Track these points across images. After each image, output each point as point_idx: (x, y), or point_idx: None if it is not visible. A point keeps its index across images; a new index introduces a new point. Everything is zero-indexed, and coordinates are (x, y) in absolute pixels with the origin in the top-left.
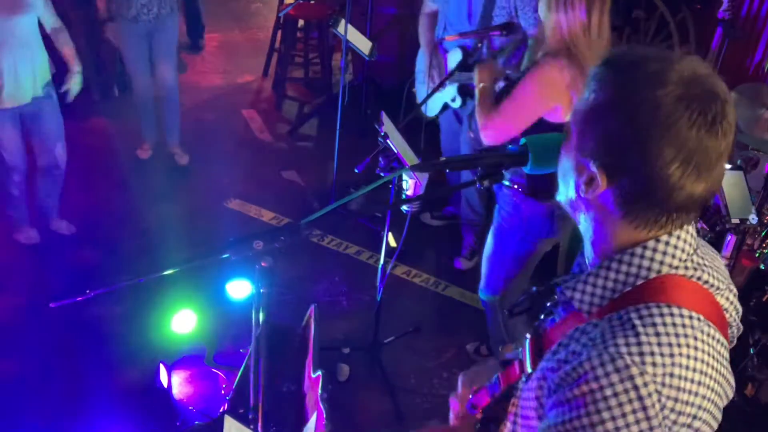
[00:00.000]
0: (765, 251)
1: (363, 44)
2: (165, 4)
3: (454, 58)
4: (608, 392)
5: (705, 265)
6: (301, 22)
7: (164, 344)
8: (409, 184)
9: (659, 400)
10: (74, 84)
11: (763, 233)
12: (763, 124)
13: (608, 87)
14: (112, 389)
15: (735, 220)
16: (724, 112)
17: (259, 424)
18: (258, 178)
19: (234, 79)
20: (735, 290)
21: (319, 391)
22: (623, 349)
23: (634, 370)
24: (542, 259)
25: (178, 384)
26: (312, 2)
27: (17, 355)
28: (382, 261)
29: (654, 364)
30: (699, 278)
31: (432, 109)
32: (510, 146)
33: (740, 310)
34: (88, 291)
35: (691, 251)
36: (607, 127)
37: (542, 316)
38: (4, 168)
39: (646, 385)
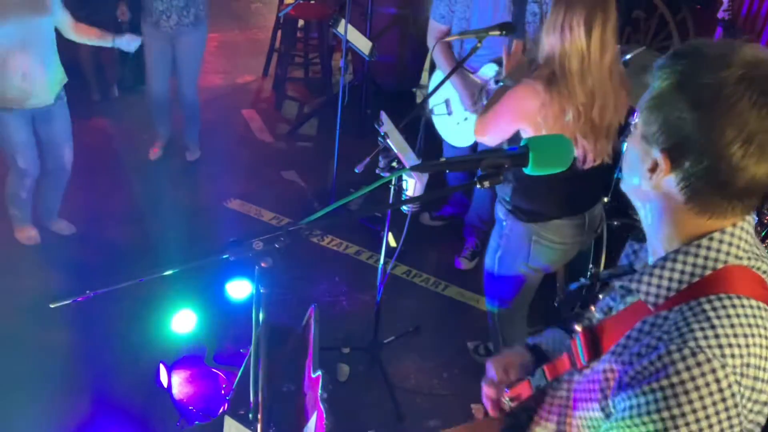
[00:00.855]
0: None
1: (363, 44)
2: (187, 13)
3: (489, 71)
4: (690, 386)
5: (763, 256)
6: (301, 22)
7: (164, 344)
8: (409, 185)
9: (739, 391)
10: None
11: (763, 233)
12: None
13: (671, 74)
14: (112, 389)
15: None
16: None
17: (259, 424)
18: (258, 178)
19: (234, 79)
20: None
21: (319, 391)
22: (702, 342)
23: (716, 364)
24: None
25: (178, 384)
26: (312, 2)
27: (17, 355)
28: (382, 261)
29: (733, 356)
30: (758, 268)
31: (457, 140)
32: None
33: None
34: (88, 291)
35: (752, 241)
36: (670, 111)
37: (592, 308)
38: (16, 171)
39: (726, 377)
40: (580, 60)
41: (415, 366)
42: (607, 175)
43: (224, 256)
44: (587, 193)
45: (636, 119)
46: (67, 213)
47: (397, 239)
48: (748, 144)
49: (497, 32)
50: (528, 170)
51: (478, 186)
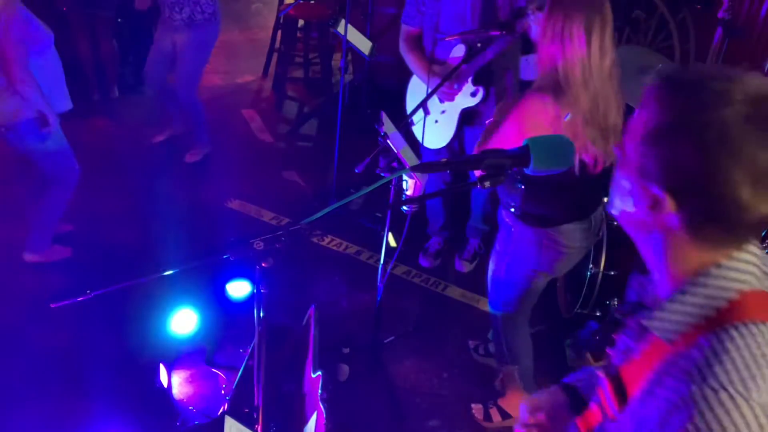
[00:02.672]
0: (765, 251)
1: (363, 44)
2: (200, 7)
3: (459, 51)
4: (716, 428)
5: None
6: (301, 22)
7: (164, 344)
8: (409, 185)
9: (767, 423)
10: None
11: (763, 233)
12: None
13: (670, 108)
14: (112, 389)
15: None
16: None
17: (259, 424)
18: (258, 178)
19: (234, 79)
20: None
21: (319, 391)
22: (724, 379)
23: (740, 401)
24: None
25: (178, 384)
26: (312, 2)
27: (17, 355)
28: (382, 261)
29: (758, 388)
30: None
31: (433, 141)
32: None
33: None
34: (88, 291)
35: (759, 263)
36: (673, 151)
37: (612, 354)
38: (64, 180)
39: (752, 409)
40: (582, 67)
41: (415, 366)
42: (606, 176)
43: (224, 256)
44: (594, 196)
45: (625, 147)
46: (67, 213)
47: (397, 239)
48: (757, 185)
49: (497, 32)
50: (529, 170)
51: (479, 186)
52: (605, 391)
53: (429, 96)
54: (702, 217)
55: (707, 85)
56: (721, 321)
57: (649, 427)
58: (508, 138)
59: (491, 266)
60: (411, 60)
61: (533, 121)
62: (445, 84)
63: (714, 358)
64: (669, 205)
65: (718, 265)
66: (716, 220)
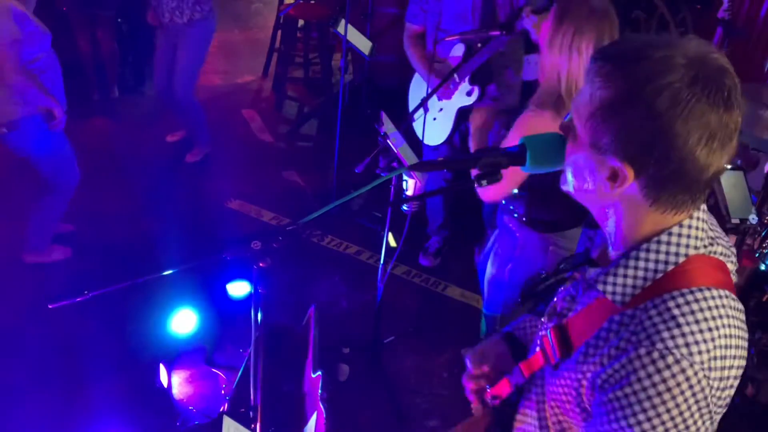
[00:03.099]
0: (765, 251)
1: (363, 44)
2: (199, 6)
3: (459, 51)
4: (661, 388)
5: (717, 237)
6: (301, 22)
7: (164, 344)
8: (408, 184)
9: (708, 385)
10: None
11: (763, 233)
12: (763, 124)
13: (617, 80)
14: (112, 389)
15: (735, 221)
16: (735, 85)
17: (259, 424)
18: (258, 178)
19: (234, 79)
20: (734, 250)
21: (319, 391)
22: (670, 343)
23: (685, 364)
24: None
25: (178, 384)
26: (312, 2)
27: (17, 355)
28: (382, 261)
29: (700, 352)
30: (715, 252)
31: (431, 138)
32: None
33: (737, 265)
34: (86, 292)
35: (707, 226)
36: (627, 121)
37: (556, 301)
38: (64, 182)
39: (696, 374)
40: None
41: (415, 366)
42: None
43: (224, 256)
44: None
45: (575, 126)
46: (67, 213)
47: (397, 239)
48: (712, 142)
49: (497, 32)
50: (525, 168)
51: (476, 185)
52: (549, 338)
53: (429, 95)
54: (662, 183)
55: (649, 53)
56: (668, 286)
57: (590, 379)
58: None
59: (491, 269)
60: (413, 58)
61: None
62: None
63: (661, 323)
64: (628, 174)
65: (669, 232)
66: (676, 183)
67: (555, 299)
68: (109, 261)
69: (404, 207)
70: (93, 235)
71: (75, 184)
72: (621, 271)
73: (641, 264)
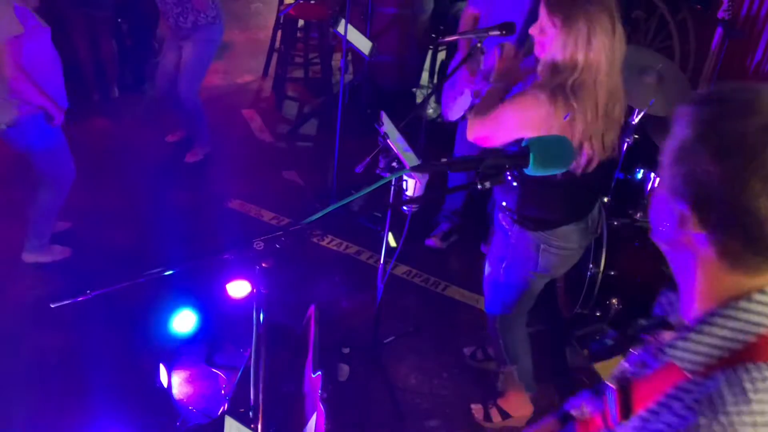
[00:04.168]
0: None
1: (363, 44)
2: (203, 13)
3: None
4: None
5: None
6: (301, 22)
7: (164, 344)
8: (409, 185)
9: None
10: None
11: None
12: None
13: (694, 123)
14: (112, 389)
15: None
16: None
17: (259, 424)
18: (258, 178)
19: (234, 79)
20: None
21: (319, 391)
22: (735, 419)
23: None
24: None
25: (178, 384)
26: (312, 2)
27: (17, 355)
28: (382, 261)
29: None
30: None
31: (452, 113)
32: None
33: None
34: (88, 291)
35: None
36: (694, 163)
37: (626, 366)
38: (59, 179)
39: None
40: (607, 66)
41: (415, 366)
42: (604, 174)
43: (224, 256)
44: (591, 196)
45: (661, 170)
46: (67, 213)
47: (397, 239)
48: None
49: (497, 32)
50: (529, 171)
51: (479, 187)
52: (611, 401)
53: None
54: (725, 233)
55: (730, 97)
56: (744, 356)
57: None
58: (503, 122)
59: (488, 269)
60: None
61: (527, 116)
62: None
63: (730, 395)
64: (694, 220)
65: (749, 299)
66: (739, 236)
67: (626, 364)
68: (108, 261)
69: (404, 207)
70: (92, 234)
71: (70, 181)
72: (695, 337)
73: (716, 331)
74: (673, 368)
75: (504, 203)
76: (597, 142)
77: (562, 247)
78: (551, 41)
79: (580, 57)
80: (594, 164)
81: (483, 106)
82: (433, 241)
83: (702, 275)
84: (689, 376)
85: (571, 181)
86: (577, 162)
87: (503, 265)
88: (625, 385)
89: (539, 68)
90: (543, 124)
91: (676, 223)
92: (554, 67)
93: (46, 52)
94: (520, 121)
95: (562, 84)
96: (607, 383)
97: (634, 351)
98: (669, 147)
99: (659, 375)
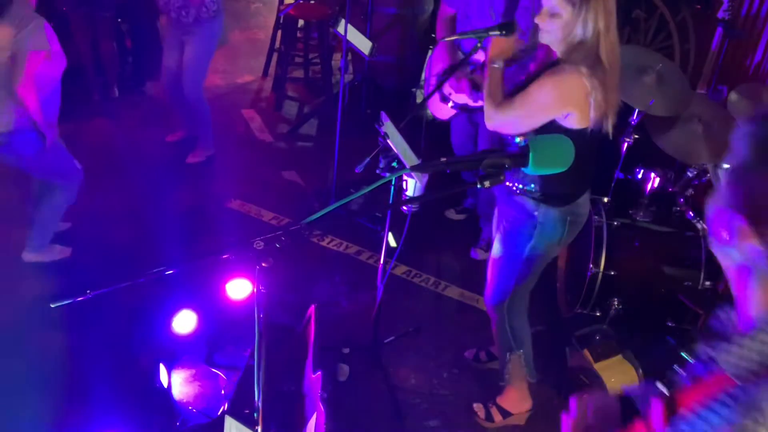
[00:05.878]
0: None
1: (363, 44)
2: (205, 7)
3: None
4: None
5: None
6: (301, 22)
7: (164, 344)
8: (409, 185)
9: None
10: None
11: None
12: None
13: (753, 141)
14: (112, 389)
15: None
16: None
17: (259, 424)
18: (258, 178)
19: (234, 79)
20: None
21: (319, 391)
22: None
23: None
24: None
25: (178, 384)
26: (312, 2)
27: (17, 355)
28: (382, 261)
29: None
30: None
31: (438, 113)
32: (510, 147)
33: None
34: (88, 291)
35: None
36: (751, 178)
37: (682, 375)
38: (69, 182)
39: None
40: (615, 37)
41: (415, 366)
42: (599, 147)
43: (224, 256)
44: (594, 164)
45: (721, 178)
46: (67, 213)
47: (397, 239)
48: None
49: (497, 32)
50: (528, 170)
51: (479, 186)
52: (656, 409)
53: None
54: None
55: None
56: None
57: None
58: (540, 103)
59: (501, 252)
60: (438, 37)
61: (571, 91)
62: (453, 78)
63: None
64: (750, 236)
65: None
66: None
67: (683, 372)
68: (109, 261)
69: (404, 207)
70: (93, 234)
71: (79, 180)
72: (747, 343)
73: (766, 339)
74: (721, 376)
75: (521, 186)
76: (613, 99)
77: (582, 214)
78: (568, 21)
79: (601, 25)
80: (610, 123)
81: (493, 91)
82: (478, 255)
83: (757, 287)
84: (737, 382)
85: (585, 154)
86: (605, 125)
87: (530, 245)
88: (673, 393)
89: (561, 50)
90: (589, 96)
91: (734, 236)
92: (580, 44)
93: (55, 80)
94: (563, 98)
95: (591, 56)
96: (657, 386)
97: (690, 364)
98: (730, 165)
99: (708, 382)
